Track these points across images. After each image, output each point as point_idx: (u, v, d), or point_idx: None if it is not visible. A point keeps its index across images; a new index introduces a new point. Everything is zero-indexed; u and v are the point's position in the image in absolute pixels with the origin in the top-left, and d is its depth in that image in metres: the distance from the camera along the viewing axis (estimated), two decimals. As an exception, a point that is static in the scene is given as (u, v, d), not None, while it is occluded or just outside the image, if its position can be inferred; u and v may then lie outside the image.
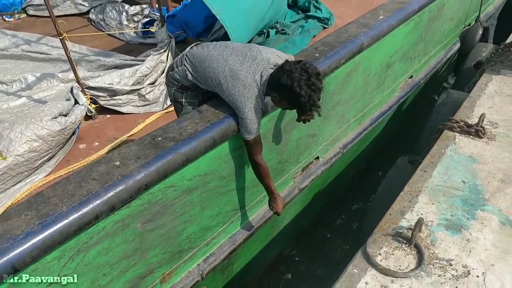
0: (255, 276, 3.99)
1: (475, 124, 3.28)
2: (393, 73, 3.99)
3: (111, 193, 1.88)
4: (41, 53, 4.61)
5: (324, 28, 5.43)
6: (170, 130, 2.24)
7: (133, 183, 1.95)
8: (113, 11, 5.39)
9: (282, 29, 4.89)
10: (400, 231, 2.56)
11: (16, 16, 5.77)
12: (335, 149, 3.62)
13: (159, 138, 2.17)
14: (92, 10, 5.63)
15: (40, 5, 5.79)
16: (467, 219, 2.65)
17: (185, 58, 2.52)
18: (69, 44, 4.62)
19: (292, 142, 3.05)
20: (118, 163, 2.02)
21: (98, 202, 1.84)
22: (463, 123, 3.32)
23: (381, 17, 3.45)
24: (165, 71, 4.17)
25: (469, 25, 5.48)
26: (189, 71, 2.48)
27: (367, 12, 3.59)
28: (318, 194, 3.98)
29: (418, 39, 4.21)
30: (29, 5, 5.84)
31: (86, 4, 5.76)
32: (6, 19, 5.70)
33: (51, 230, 1.72)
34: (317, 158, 3.46)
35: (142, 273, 2.30)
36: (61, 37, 3.30)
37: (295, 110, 2.34)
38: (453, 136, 3.31)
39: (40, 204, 1.80)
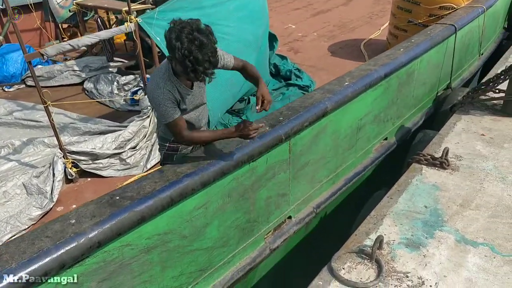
0: None
1: (439, 157, 3.56)
2: (365, 135, 4.13)
3: (62, 250, 1.94)
4: (33, 121, 4.85)
5: (304, 94, 5.72)
6: (129, 189, 2.33)
7: (85, 241, 2.01)
8: (106, 80, 5.73)
9: (263, 96, 5.14)
10: (363, 249, 2.79)
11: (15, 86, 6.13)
12: (308, 208, 3.66)
13: (117, 197, 2.26)
14: (87, 80, 5.99)
15: (39, 76, 6.16)
16: (426, 238, 2.89)
17: None
18: (59, 111, 4.89)
19: (260, 201, 3.11)
20: (73, 221, 2.09)
21: (48, 259, 1.90)
22: (429, 156, 3.61)
23: (346, 83, 3.66)
24: (147, 136, 4.38)
25: (445, 89, 5.73)
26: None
27: (335, 78, 3.81)
28: (295, 254, 3.95)
29: (390, 102, 4.40)
30: (28, 76, 6.23)
31: (83, 74, 6.14)
32: (6, 89, 6.05)
33: (-1, 286, 1.76)
34: (290, 217, 3.50)
35: (98, 335, 2.27)
36: (45, 105, 3.52)
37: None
38: (420, 168, 3.59)
39: (-9, 260, 1.85)
